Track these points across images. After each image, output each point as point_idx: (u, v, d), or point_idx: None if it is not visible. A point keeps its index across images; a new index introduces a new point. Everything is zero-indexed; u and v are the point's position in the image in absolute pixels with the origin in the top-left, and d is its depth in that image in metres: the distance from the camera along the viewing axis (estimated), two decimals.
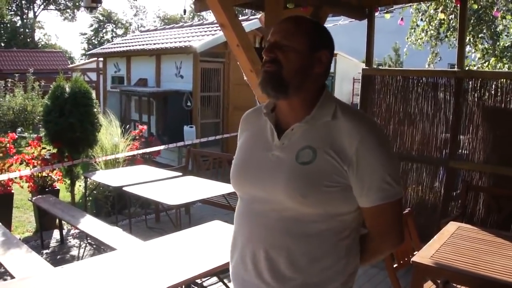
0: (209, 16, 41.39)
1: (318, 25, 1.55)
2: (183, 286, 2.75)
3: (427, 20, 8.20)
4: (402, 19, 6.34)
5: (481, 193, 4.53)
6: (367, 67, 5.23)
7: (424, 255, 2.93)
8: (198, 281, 3.41)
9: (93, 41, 43.14)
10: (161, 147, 7.21)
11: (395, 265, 3.17)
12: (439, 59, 8.69)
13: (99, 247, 5.24)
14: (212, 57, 10.17)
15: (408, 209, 3.59)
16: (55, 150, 6.41)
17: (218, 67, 10.44)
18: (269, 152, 1.52)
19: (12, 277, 3.28)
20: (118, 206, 5.92)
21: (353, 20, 5.44)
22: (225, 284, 3.27)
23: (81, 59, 38.26)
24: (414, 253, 3.32)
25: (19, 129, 14.19)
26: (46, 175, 6.37)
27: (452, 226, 3.53)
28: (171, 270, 2.73)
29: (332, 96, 1.56)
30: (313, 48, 1.48)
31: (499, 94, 4.39)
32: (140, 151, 7.04)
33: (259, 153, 1.54)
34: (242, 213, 1.61)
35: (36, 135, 8.21)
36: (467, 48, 8.18)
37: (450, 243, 3.16)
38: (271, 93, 1.49)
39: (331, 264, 1.49)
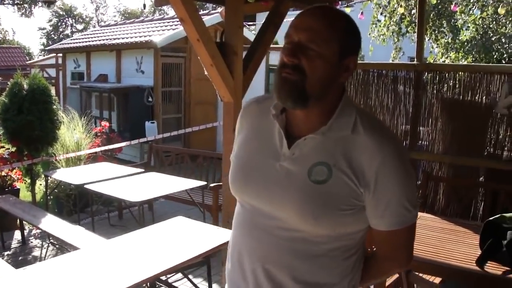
0: (170, 10, 41.01)
1: (352, 24, 1.32)
2: (148, 283, 2.73)
3: (387, 15, 8.32)
4: (362, 13, 6.40)
5: (441, 183, 4.64)
6: None
7: None
8: (163, 277, 3.38)
9: (53, 36, 42.15)
10: (123, 144, 7.11)
11: None
12: (402, 53, 8.82)
13: (62, 247, 5.14)
14: (173, 52, 10.06)
15: None
16: (14, 149, 6.26)
17: (179, 62, 10.34)
18: (277, 162, 1.34)
19: None
20: (80, 205, 5.80)
21: None
22: (189, 280, 3.25)
23: (40, 55, 37.34)
24: None
25: None
26: (5, 174, 6.22)
27: None
28: (136, 267, 2.69)
29: (352, 103, 1.37)
30: (343, 55, 1.28)
31: (457, 87, 4.50)
32: (102, 148, 6.92)
33: (266, 161, 1.37)
34: (244, 222, 1.45)
35: None
36: (430, 43, 8.35)
37: None
38: (289, 105, 1.31)
39: (337, 282, 1.39)
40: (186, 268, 2.95)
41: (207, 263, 2.95)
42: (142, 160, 8.75)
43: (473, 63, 7.28)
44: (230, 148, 3.98)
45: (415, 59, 4.70)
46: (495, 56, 7.68)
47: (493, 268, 2.66)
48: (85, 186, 4.95)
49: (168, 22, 10.75)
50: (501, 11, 6.33)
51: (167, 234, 3.29)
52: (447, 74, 4.56)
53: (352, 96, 5.06)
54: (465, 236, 3.20)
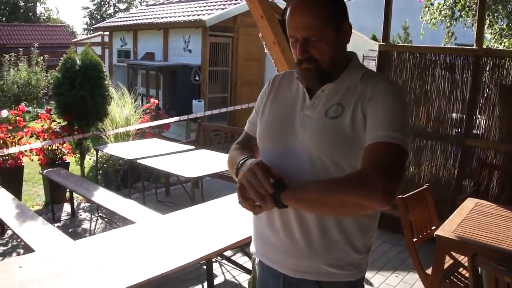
0: None
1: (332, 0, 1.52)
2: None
3: None
4: None
5: (495, 171, 4.55)
6: (383, 43, 5.17)
7: (446, 229, 2.96)
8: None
9: (96, 15, 42.71)
10: (172, 120, 7.18)
11: (414, 239, 3.20)
12: (454, 38, 8.63)
13: (111, 220, 5.28)
14: (221, 31, 10.09)
15: (427, 184, 3.61)
16: (65, 123, 6.41)
17: (227, 42, 10.37)
18: (301, 112, 1.55)
19: (31, 250, 3.25)
20: (131, 180, 5.90)
21: None
22: (247, 254, 3.29)
23: (83, 34, 37.92)
24: (432, 228, 3.35)
25: (23, 103, 14.16)
26: (56, 148, 6.37)
27: (470, 202, 3.55)
28: (195, 243, 2.72)
29: (361, 65, 1.61)
30: (338, 28, 1.50)
31: None
32: (152, 124, 7.02)
33: (292, 112, 1.57)
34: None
35: (40, 109, 8.16)
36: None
37: (470, 218, 3.19)
38: (316, 85, 1.54)
39: (355, 221, 1.50)
40: (245, 245, 2.96)
41: None
42: (188, 138, 8.85)
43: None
44: None
45: (474, 44, 4.59)
46: None
47: None
48: (137, 161, 5.03)
49: (216, 2, 10.76)
50: None
51: (224, 211, 3.32)
52: (507, 60, 4.43)
53: (407, 79, 4.99)
54: None
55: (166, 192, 6.52)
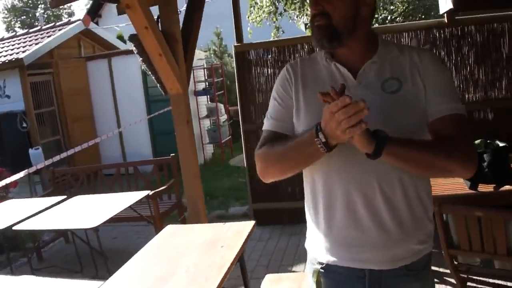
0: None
1: None
2: None
3: None
4: None
5: None
6: (239, 44, 5.28)
7: None
8: None
9: None
10: (22, 174, 6.30)
11: None
12: (282, 32, 9.15)
13: None
14: (39, 69, 9.24)
15: None
16: None
17: (48, 79, 9.53)
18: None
19: None
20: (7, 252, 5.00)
21: None
22: None
23: None
24: None
25: None
26: None
27: None
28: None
29: (389, 40, 1.61)
30: None
31: None
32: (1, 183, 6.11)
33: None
34: (333, 166, 1.49)
35: None
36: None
37: None
38: (326, 45, 1.50)
39: (426, 192, 1.54)
40: None
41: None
42: (34, 193, 7.97)
43: (383, 25, 7.83)
44: (186, 144, 3.79)
45: None
46: (380, 18, 8.33)
47: (484, 188, 3.11)
48: (14, 228, 4.32)
49: (28, 37, 9.84)
50: None
51: (175, 248, 2.83)
52: None
53: (270, 74, 5.18)
54: None
55: (39, 257, 5.70)
